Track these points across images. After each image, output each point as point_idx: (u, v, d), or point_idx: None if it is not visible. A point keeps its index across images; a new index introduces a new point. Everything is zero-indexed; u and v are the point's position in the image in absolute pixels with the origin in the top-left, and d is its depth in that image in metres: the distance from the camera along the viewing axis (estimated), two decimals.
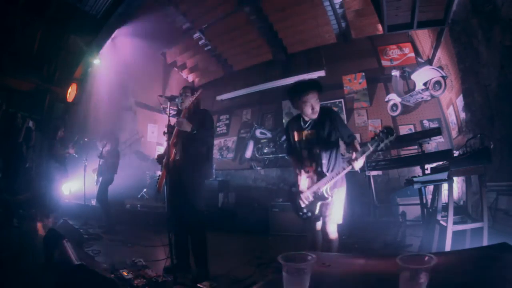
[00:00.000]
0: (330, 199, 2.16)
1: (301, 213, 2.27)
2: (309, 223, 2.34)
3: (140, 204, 5.85)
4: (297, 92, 2.23)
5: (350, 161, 2.05)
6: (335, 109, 6.38)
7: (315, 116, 2.25)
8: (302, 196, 2.23)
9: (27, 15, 5.17)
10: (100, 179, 4.57)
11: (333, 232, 2.22)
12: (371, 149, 1.97)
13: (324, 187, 2.15)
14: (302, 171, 2.30)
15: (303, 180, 2.27)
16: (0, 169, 4.20)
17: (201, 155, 2.62)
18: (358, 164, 2.03)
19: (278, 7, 6.21)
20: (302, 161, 2.32)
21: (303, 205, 2.25)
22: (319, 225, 2.30)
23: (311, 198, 2.21)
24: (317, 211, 2.21)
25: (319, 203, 2.20)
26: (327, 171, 2.20)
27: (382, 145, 1.94)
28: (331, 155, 2.24)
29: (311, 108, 2.20)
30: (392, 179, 5.21)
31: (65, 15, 5.43)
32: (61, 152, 4.83)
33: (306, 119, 2.30)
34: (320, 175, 2.18)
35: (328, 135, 2.24)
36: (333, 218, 2.21)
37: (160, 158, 2.74)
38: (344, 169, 2.10)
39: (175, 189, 2.54)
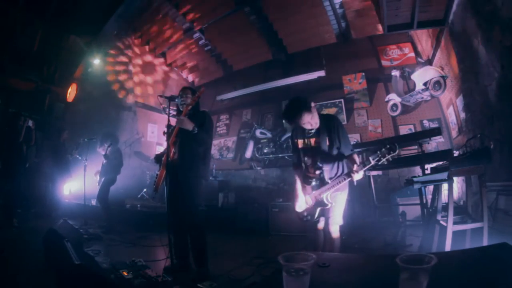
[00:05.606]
0: (330, 205, 2.24)
1: (301, 217, 2.41)
2: (311, 224, 2.44)
3: (140, 204, 5.85)
4: (292, 120, 2.25)
5: (349, 173, 2.12)
6: (336, 109, 6.40)
7: (316, 126, 2.28)
8: (303, 201, 2.37)
9: (27, 15, 5.17)
10: (103, 179, 4.57)
11: (335, 231, 2.30)
12: (372, 163, 2.02)
13: (325, 194, 2.22)
14: (305, 184, 2.39)
15: (305, 187, 2.37)
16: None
17: (197, 155, 2.62)
18: (358, 176, 2.08)
19: (278, 7, 6.21)
20: (306, 168, 2.39)
21: (304, 209, 2.38)
22: (320, 224, 2.40)
23: (311, 203, 2.32)
24: (316, 215, 2.32)
25: (319, 208, 2.30)
26: (330, 178, 2.25)
27: (383, 160, 2.00)
28: (334, 162, 2.28)
29: (310, 125, 2.23)
30: (392, 179, 5.20)
31: (65, 15, 5.44)
32: (66, 155, 4.83)
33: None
34: (322, 182, 2.26)
35: (331, 142, 2.28)
36: (335, 220, 2.29)
37: (158, 157, 2.77)
38: (344, 179, 2.17)
39: (174, 188, 2.54)
